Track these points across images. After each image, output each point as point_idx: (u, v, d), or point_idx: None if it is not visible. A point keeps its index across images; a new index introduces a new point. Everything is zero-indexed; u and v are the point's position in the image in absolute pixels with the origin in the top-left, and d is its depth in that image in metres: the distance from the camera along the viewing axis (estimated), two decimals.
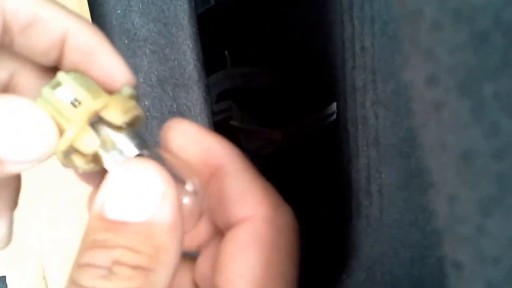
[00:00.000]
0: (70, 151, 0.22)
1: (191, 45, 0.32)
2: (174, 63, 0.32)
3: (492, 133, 0.13)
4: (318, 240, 0.26)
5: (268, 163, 0.25)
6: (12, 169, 0.21)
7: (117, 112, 0.21)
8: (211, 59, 0.36)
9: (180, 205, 0.21)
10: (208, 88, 0.34)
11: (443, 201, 0.15)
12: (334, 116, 0.46)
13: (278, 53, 0.53)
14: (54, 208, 0.31)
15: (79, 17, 0.23)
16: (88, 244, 0.20)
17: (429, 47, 0.14)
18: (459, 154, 0.14)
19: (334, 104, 0.46)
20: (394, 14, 0.18)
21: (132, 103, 0.22)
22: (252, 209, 0.24)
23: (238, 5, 0.52)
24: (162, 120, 0.33)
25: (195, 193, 0.22)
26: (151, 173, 0.20)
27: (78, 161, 0.22)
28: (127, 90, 0.23)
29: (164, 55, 0.32)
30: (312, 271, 0.26)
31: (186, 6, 0.32)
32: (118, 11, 0.32)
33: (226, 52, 0.52)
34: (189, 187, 0.22)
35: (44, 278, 0.37)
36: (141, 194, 0.20)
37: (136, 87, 0.23)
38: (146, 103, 0.33)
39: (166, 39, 0.32)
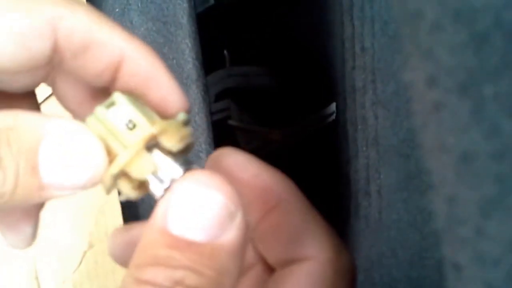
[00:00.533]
0: (119, 176, 0.20)
1: (190, 44, 0.32)
2: (172, 62, 0.32)
3: (492, 134, 0.13)
4: None
5: (266, 163, 0.25)
6: (54, 194, 0.20)
7: (174, 138, 0.20)
8: (210, 58, 0.36)
9: (247, 228, 0.20)
10: (206, 87, 0.34)
11: (443, 202, 0.15)
12: (334, 116, 0.46)
13: (277, 52, 0.52)
14: (46, 210, 0.31)
15: (137, 40, 0.22)
16: (150, 259, 0.19)
17: (429, 47, 0.14)
18: (458, 155, 0.14)
19: (334, 104, 0.46)
20: (395, 14, 0.18)
21: (187, 130, 0.22)
22: (315, 250, 0.23)
23: (238, 4, 0.52)
24: None
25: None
26: (221, 191, 0.19)
27: (125, 186, 0.21)
28: (182, 116, 0.22)
29: (163, 54, 0.32)
30: None
31: (185, 5, 0.32)
32: (117, 10, 0.32)
33: (225, 51, 0.52)
34: None
35: (36, 278, 0.37)
36: (210, 212, 0.19)
37: (188, 112, 0.23)
38: None
39: (165, 38, 0.32)
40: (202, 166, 0.22)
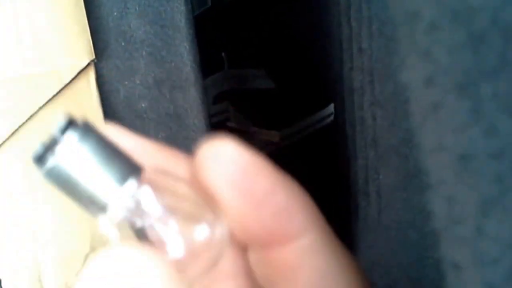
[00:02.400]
0: None
1: (188, 47, 0.32)
2: (171, 65, 0.32)
3: (491, 133, 0.13)
4: None
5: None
6: None
7: None
8: (208, 60, 0.36)
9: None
10: (205, 90, 0.34)
11: (442, 202, 0.15)
12: (332, 117, 0.46)
13: (275, 54, 0.53)
14: (51, 211, 0.31)
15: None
16: None
17: (426, 47, 0.14)
18: (457, 154, 0.14)
19: (332, 105, 0.46)
20: (392, 15, 0.18)
21: None
22: None
23: (235, 6, 0.52)
24: (159, 122, 0.33)
25: (209, 233, 0.17)
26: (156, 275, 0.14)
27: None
28: None
29: (161, 57, 0.32)
30: None
31: (182, 8, 0.32)
32: (115, 13, 0.32)
33: (223, 53, 0.52)
34: (202, 227, 0.17)
35: (40, 281, 0.37)
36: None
37: None
38: (143, 105, 0.33)
39: (162, 41, 0.32)
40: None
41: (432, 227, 0.20)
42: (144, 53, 0.32)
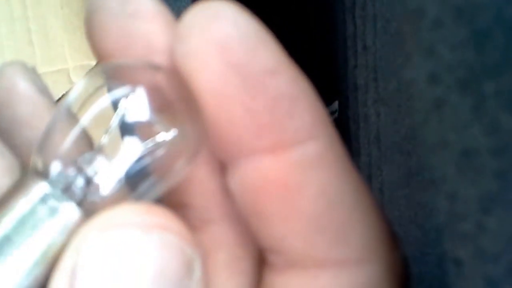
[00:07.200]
0: None
1: None
2: None
3: (493, 130, 0.13)
4: None
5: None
6: None
7: None
8: None
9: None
10: None
11: (444, 198, 0.15)
12: (336, 115, 0.47)
13: None
14: None
15: None
16: None
17: (430, 45, 0.14)
18: (459, 151, 0.14)
19: (336, 103, 0.46)
20: (396, 12, 0.18)
21: None
22: (368, 249, 0.17)
23: (237, 3, 0.52)
24: None
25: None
26: (172, 231, 0.11)
27: None
28: None
29: None
30: None
31: (189, 7, 0.32)
32: None
33: None
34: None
35: None
36: (162, 273, 0.11)
37: None
38: None
39: None
40: None
41: (434, 223, 0.20)
42: None
